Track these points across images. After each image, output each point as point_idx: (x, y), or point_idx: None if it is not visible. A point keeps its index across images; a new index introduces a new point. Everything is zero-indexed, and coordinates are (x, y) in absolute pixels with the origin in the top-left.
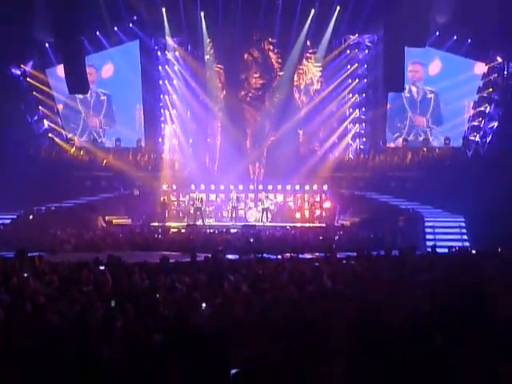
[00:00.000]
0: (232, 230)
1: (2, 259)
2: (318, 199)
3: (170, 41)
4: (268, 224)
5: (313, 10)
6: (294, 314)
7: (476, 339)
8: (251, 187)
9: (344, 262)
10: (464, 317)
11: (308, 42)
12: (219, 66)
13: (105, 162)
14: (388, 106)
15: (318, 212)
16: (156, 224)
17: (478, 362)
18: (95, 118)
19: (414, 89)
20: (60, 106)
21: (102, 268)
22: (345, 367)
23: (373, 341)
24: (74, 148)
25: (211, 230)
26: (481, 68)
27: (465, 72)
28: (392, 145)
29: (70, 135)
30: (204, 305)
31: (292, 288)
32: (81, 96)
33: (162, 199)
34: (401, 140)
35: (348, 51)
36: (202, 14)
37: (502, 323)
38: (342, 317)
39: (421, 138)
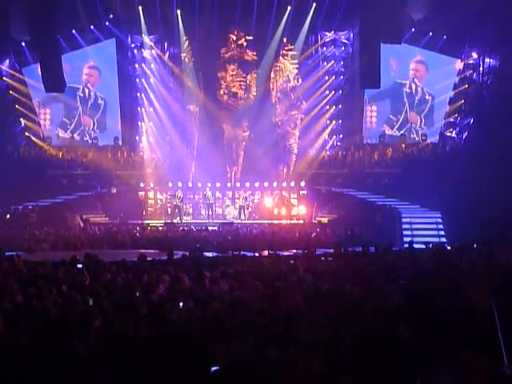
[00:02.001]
0: (210, 228)
1: None
2: (295, 196)
3: (146, 39)
4: (246, 221)
5: (289, 7)
6: (270, 310)
7: (449, 332)
8: (228, 185)
9: (321, 258)
10: (438, 311)
11: (284, 39)
12: (196, 63)
13: (84, 159)
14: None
15: (295, 209)
16: (133, 222)
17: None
18: (90, 118)
19: (413, 86)
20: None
21: (79, 266)
22: (320, 361)
23: (349, 334)
24: (51, 147)
25: (189, 228)
26: (461, 64)
27: (445, 67)
28: (369, 141)
29: (47, 134)
30: (181, 303)
31: (270, 284)
32: (81, 94)
33: (139, 197)
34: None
35: (324, 48)
36: (179, 11)
37: (474, 314)
38: (319, 312)
39: (412, 136)
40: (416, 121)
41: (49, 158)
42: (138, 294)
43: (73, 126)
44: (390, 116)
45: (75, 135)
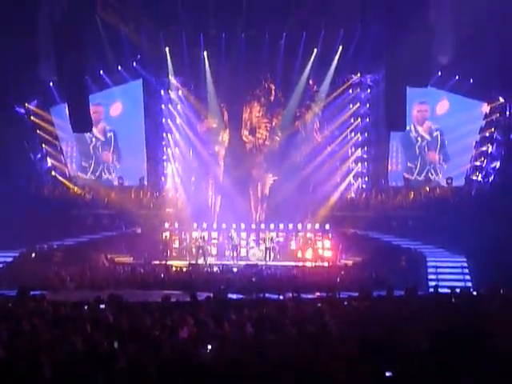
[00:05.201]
0: (234, 269)
1: (3, 298)
2: (320, 239)
3: (173, 80)
4: (270, 263)
5: (315, 49)
6: (294, 355)
7: (476, 376)
8: (253, 226)
9: (346, 302)
10: (464, 355)
11: (310, 81)
12: (222, 105)
13: (106, 200)
14: (395, 146)
15: (320, 251)
16: (158, 262)
17: None
18: (108, 152)
19: (420, 128)
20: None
21: (102, 307)
22: None
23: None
24: (77, 186)
25: (213, 269)
26: (487, 107)
27: (472, 111)
28: (394, 183)
29: (73, 173)
30: (206, 345)
31: (293, 329)
32: (90, 135)
33: (163, 237)
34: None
35: (350, 90)
36: (205, 53)
37: (501, 358)
38: (343, 357)
39: (432, 177)
40: (435, 159)
41: (73, 197)
42: (162, 336)
43: (92, 167)
44: (408, 164)
45: (94, 176)
